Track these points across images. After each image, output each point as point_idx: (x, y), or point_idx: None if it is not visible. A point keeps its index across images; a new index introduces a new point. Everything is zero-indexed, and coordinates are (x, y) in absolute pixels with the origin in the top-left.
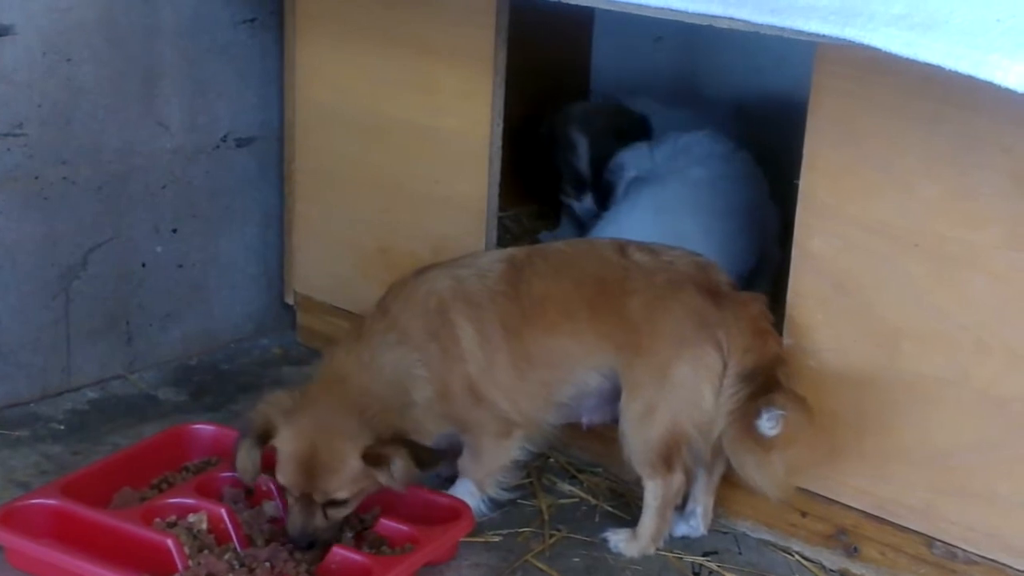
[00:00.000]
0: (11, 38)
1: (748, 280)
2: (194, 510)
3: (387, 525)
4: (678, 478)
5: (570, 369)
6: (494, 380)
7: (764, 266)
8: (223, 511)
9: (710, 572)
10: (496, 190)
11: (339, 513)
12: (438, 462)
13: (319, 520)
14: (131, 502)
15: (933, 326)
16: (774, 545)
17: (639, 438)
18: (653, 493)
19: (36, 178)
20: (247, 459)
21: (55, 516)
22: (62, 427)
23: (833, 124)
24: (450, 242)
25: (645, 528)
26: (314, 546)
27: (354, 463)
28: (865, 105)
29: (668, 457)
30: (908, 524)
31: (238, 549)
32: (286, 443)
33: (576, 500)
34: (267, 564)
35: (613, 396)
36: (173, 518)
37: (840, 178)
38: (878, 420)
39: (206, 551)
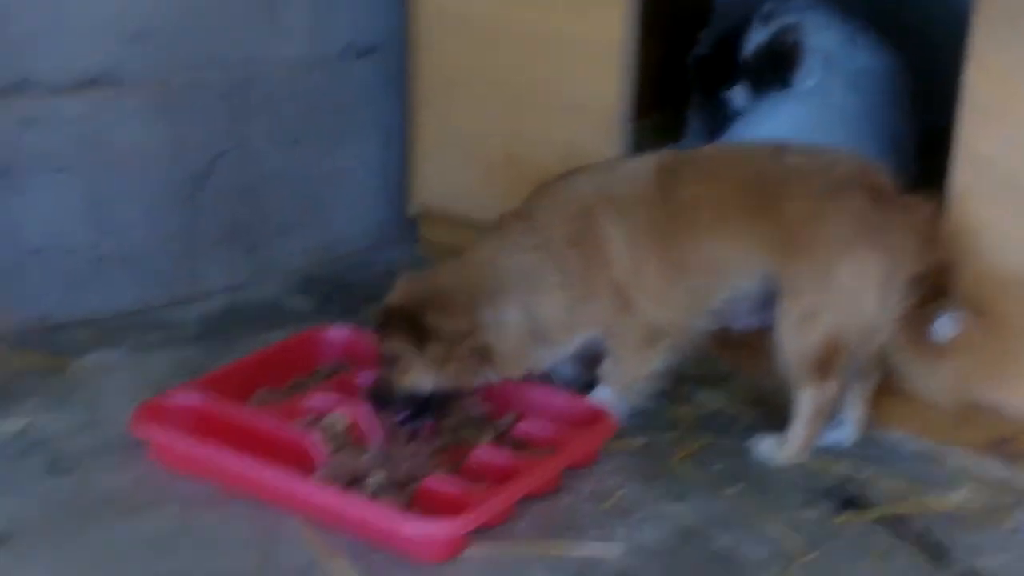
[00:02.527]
0: None
1: None
2: (333, 409)
3: (527, 428)
4: (833, 386)
5: (724, 275)
6: (643, 286)
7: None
8: (363, 411)
9: (862, 480)
10: (629, 97)
11: (392, 375)
12: (384, 329)
13: (383, 377)
14: (268, 402)
15: None
16: (930, 455)
17: (796, 345)
18: (807, 401)
19: (163, 83)
20: None
21: (196, 413)
22: (195, 332)
23: (1001, 22)
24: (580, 151)
25: (796, 436)
26: (385, 404)
27: (397, 340)
28: None
29: (825, 365)
30: None
31: (378, 449)
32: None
33: (717, 408)
34: (406, 463)
35: (768, 301)
36: (313, 417)
37: (1007, 77)
38: None
39: (345, 449)
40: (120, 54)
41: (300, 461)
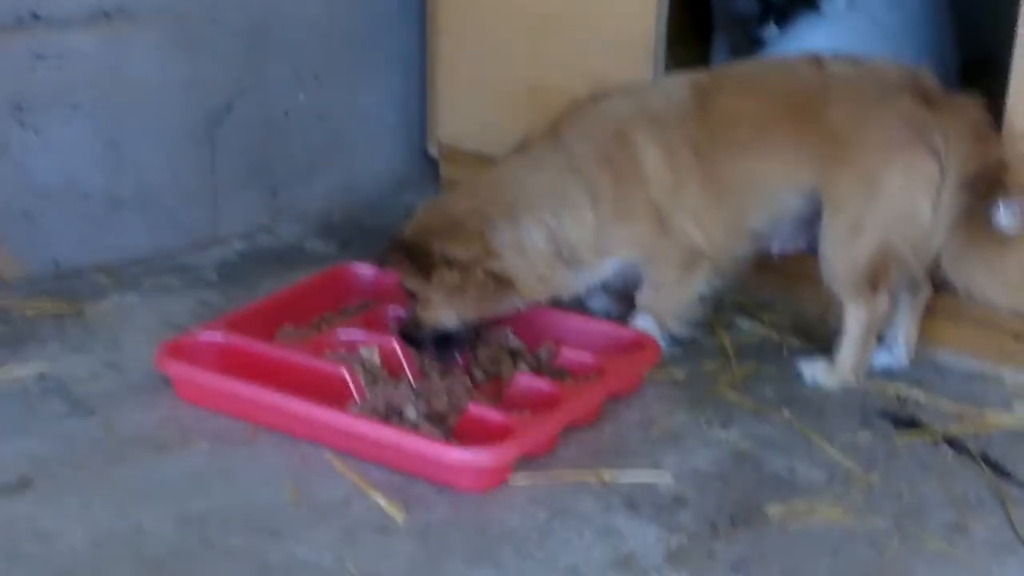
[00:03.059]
0: None
1: None
2: (365, 343)
3: (569, 356)
4: (883, 301)
5: (766, 191)
6: (682, 205)
7: None
8: (395, 343)
9: (917, 401)
10: (664, 22)
11: (419, 313)
12: (388, 262)
13: (409, 312)
14: (294, 338)
15: None
16: (984, 375)
17: (844, 258)
18: (856, 318)
19: (179, 18)
20: None
21: (222, 350)
22: (214, 276)
23: None
24: (611, 79)
25: (845, 357)
26: (411, 339)
27: (403, 272)
28: None
29: (875, 278)
30: None
31: (411, 382)
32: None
33: (759, 336)
34: (444, 395)
35: (811, 220)
36: (344, 352)
37: None
38: None
39: (381, 383)
40: None
41: (333, 394)
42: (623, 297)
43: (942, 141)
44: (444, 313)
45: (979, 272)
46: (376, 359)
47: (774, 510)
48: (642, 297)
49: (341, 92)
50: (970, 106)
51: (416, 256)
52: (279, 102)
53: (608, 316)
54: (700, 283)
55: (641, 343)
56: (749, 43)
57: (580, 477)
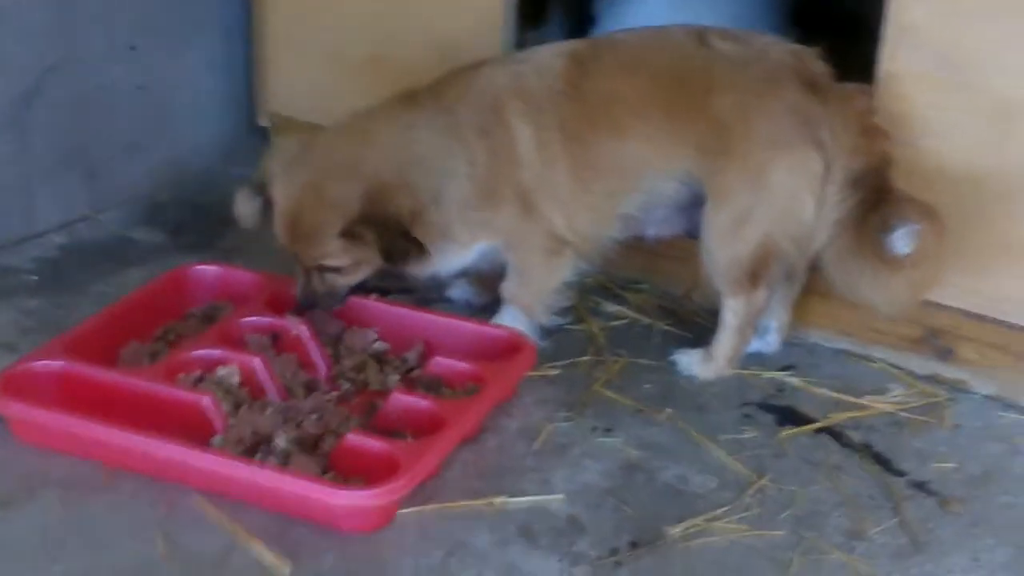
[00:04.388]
0: None
1: None
2: (223, 362)
3: (443, 364)
4: (762, 295)
5: (641, 177)
6: (551, 190)
7: None
8: (256, 361)
9: (794, 388)
10: None
11: (338, 280)
12: (406, 257)
13: (317, 283)
14: (141, 358)
15: None
16: (855, 354)
17: (726, 253)
18: (734, 311)
19: None
20: (246, 206)
21: (63, 380)
22: (35, 277)
23: None
24: (461, 47)
25: (722, 348)
26: (315, 307)
27: (332, 233)
28: None
29: (755, 273)
30: (1015, 320)
31: (276, 401)
32: (278, 196)
33: (627, 321)
34: (313, 416)
35: (686, 205)
36: (198, 373)
37: None
38: (984, 213)
39: (244, 407)
40: None
41: (195, 425)
42: (485, 284)
43: (828, 135)
44: (367, 270)
45: (863, 278)
46: (236, 379)
47: (673, 529)
48: (508, 287)
49: (160, 62)
50: (857, 96)
51: (387, 226)
52: (92, 76)
53: (469, 306)
54: (566, 269)
55: (515, 344)
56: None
57: (471, 506)
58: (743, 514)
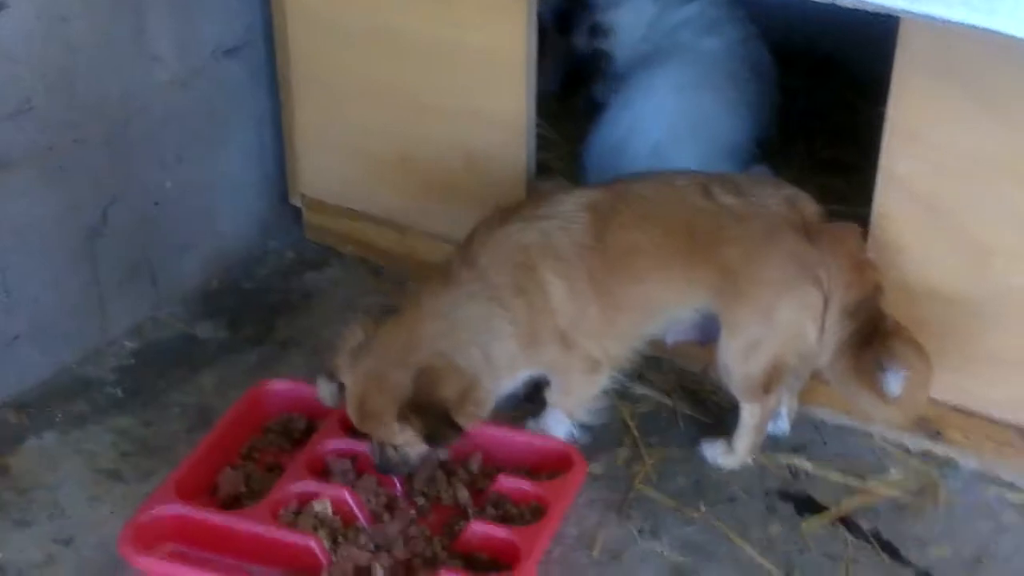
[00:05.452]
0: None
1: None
2: (316, 496)
3: (508, 483)
4: (775, 399)
5: (662, 312)
6: (585, 329)
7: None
8: (346, 494)
9: (806, 473)
10: (534, 104)
11: (408, 452)
12: (447, 443)
13: (391, 454)
14: (237, 484)
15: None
16: (855, 431)
17: (741, 371)
18: (751, 413)
19: (50, 149)
20: (325, 389)
21: (181, 525)
22: (118, 390)
23: (923, 53)
24: (484, 156)
25: (742, 443)
26: (395, 473)
27: (390, 419)
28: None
29: (767, 384)
30: (995, 414)
31: (365, 527)
32: (347, 383)
33: (653, 404)
34: (401, 541)
35: (704, 323)
36: (294, 505)
37: (929, 105)
38: (966, 327)
39: (340, 539)
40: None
41: (305, 562)
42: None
43: (825, 274)
44: (396, 440)
45: (862, 398)
46: (329, 511)
47: None
48: (552, 397)
49: (203, 165)
50: (847, 235)
51: (430, 412)
52: (149, 195)
53: (514, 399)
54: (603, 381)
55: (566, 456)
56: (586, 102)
57: None
58: None
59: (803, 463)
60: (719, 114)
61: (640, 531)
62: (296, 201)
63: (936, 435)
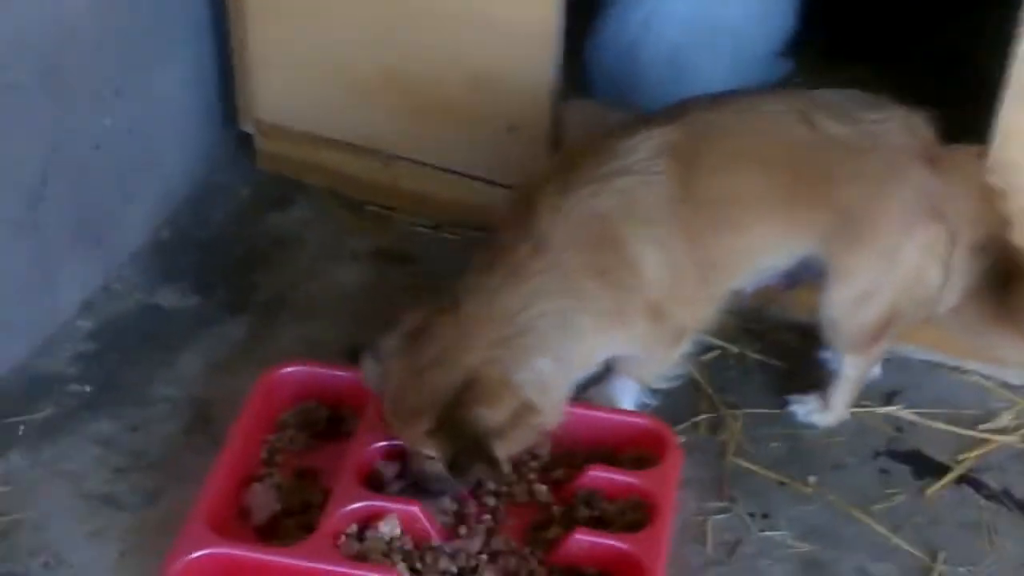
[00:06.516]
0: None
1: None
2: (380, 514)
3: (600, 476)
4: (882, 348)
5: (763, 264)
6: (678, 297)
7: None
8: (417, 511)
9: (910, 424)
10: (563, 7)
11: (438, 467)
12: (471, 476)
13: (423, 465)
14: (268, 499)
15: None
16: (947, 367)
17: (852, 323)
18: (855, 366)
19: None
20: (370, 371)
21: (230, 569)
22: (86, 388)
23: None
24: (496, 74)
25: (840, 399)
26: (430, 492)
27: (424, 425)
28: None
29: (878, 336)
30: None
31: (442, 545)
32: (389, 371)
33: (719, 353)
34: (484, 557)
35: (793, 271)
36: (354, 528)
37: None
38: None
39: (419, 564)
40: None
41: None
42: None
43: (950, 207)
44: (429, 451)
45: (1003, 342)
46: (398, 531)
47: None
48: (626, 366)
49: (142, 95)
50: (970, 161)
51: (467, 441)
52: (89, 138)
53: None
54: (686, 348)
55: (657, 437)
56: None
57: None
58: None
59: (904, 414)
60: (746, 12)
61: (752, 515)
62: (248, 127)
63: None
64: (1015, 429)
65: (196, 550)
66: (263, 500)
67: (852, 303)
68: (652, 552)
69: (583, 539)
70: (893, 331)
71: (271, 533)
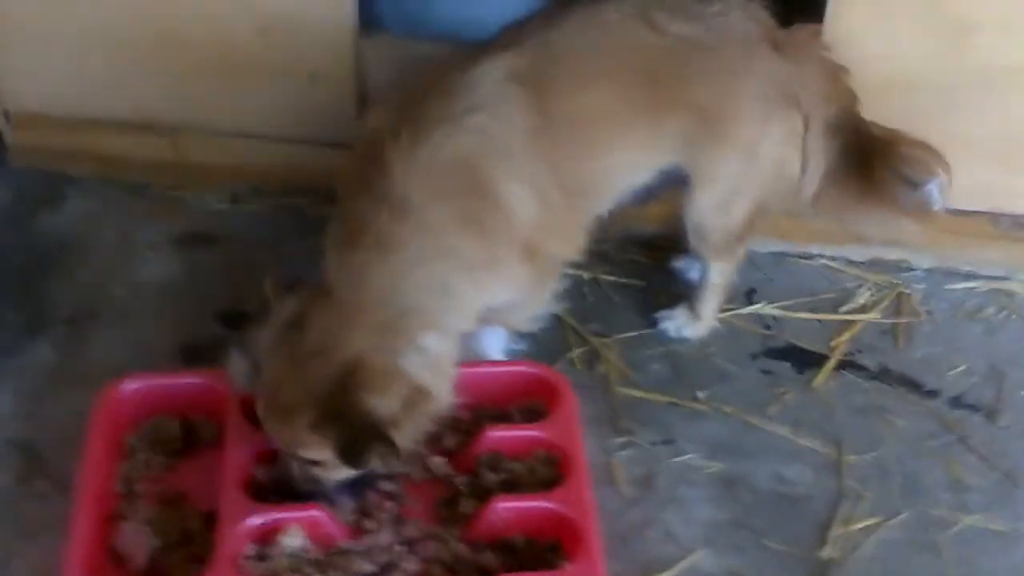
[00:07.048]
0: None
1: None
2: (279, 527)
3: (496, 435)
4: (743, 251)
5: (627, 182)
6: (549, 228)
7: None
8: (317, 513)
9: (776, 320)
10: None
11: (321, 474)
12: (367, 462)
13: (296, 470)
14: (143, 538)
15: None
16: (791, 255)
17: (717, 226)
18: (720, 272)
19: None
20: (240, 367)
21: None
22: None
23: None
24: (289, 19)
25: (709, 306)
26: (306, 495)
27: (303, 423)
28: None
29: (744, 235)
30: (968, 207)
31: (352, 546)
32: (265, 365)
33: (570, 280)
34: (401, 549)
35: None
36: (252, 550)
37: None
38: (935, 118)
39: (331, 572)
40: None
41: None
42: None
43: (800, 90)
44: (309, 454)
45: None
46: (302, 542)
47: (828, 551)
48: (496, 316)
49: None
50: (811, 39)
51: (351, 422)
52: None
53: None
54: (558, 284)
55: (546, 381)
56: None
57: None
58: (872, 505)
59: (769, 310)
60: None
61: (652, 444)
62: None
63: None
64: (874, 306)
65: None
66: (137, 540)
67: (717, 207)
68: (579, 506)
69: (504, 507)
70: (755, 230)
71: (159, 574)
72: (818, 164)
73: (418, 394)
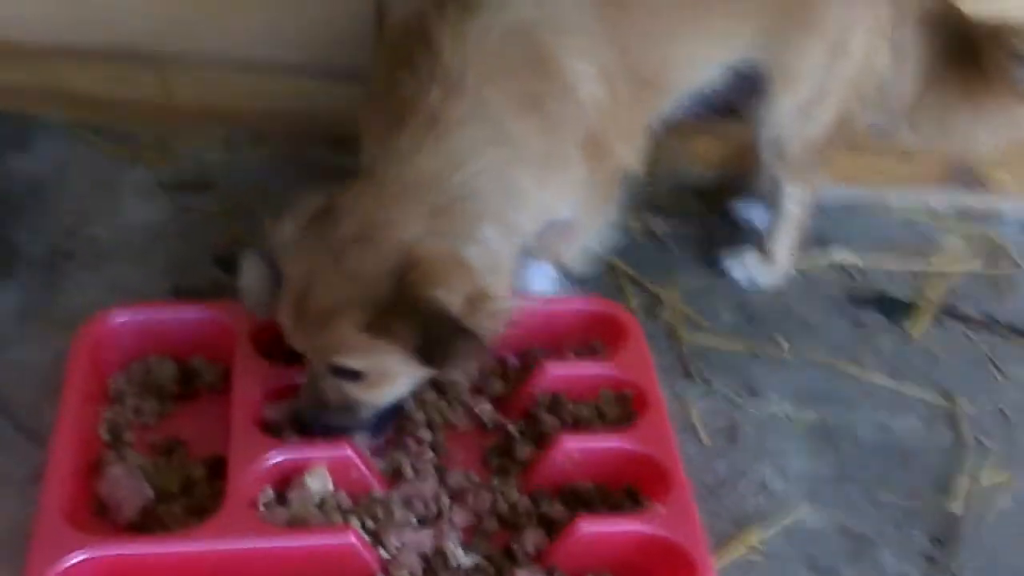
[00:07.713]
0: None
1: None
2: (303, 467)
3: (557, 371)
4: (822, 177)
5: (695, 77)
6: (613, 122)
7: None
8: (349, 454)
9: (859, 269)
10: None
11: (358, 393)
12: (457, 363)
13: (330, 392)
14: (136, 485)
15: None
16: (859, 205)
17: (799, 137)
18: (796, 200)
19: None
20: (253, 277)
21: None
22: None
23: None
24: None
25: (783, 244)
26: (324, 431)
27: (349, 324)
28: None
29: (827, 150)
30: None
31: (391, 495)
32: (287, 272)
33: (621, 232)
34: (446, 501)
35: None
36: (270, 494)
37: None
38: None
39: (369, 522)
40: None
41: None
42: None
43: None
44: (405, 382)
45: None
46: (330, 485)
47: (955, 503)
48: (549, 243)
49: None
50: None
51: (431, 319)
52: None
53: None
54: (616, 210)
55: (609, 317)
56: None
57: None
58: (1002, 461)
59: (847, 258)
60: None
61: (738, 395)
62: None
63: (975, 183)
64: (964, 256)
65: (65, 555)
66: (129, 489)
67: (799, 111)
68: (661, 444)
69: (572, 447)
70: (840, 146)
71: (150, 527)
72: (915, 61)
73: (481, 294)
